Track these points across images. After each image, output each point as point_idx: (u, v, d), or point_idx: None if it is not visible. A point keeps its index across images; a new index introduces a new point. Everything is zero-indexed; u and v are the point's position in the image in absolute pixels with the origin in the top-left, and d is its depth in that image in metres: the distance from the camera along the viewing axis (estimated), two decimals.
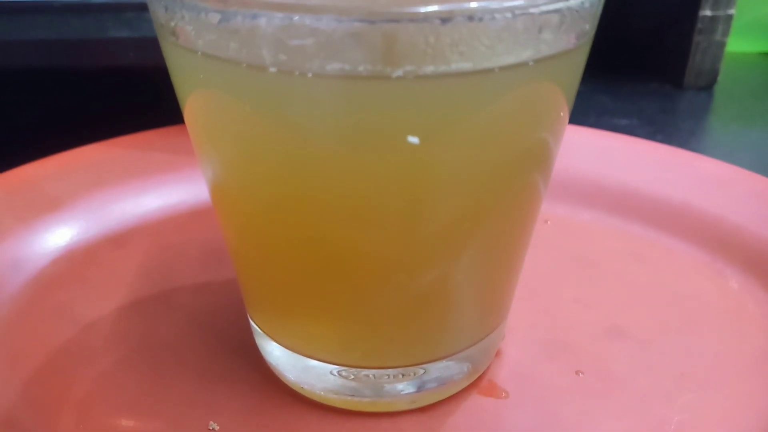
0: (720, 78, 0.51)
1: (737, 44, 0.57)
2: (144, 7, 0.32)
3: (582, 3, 0.16)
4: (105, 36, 0.32)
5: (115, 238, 0.29)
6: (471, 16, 0.14)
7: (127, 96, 0.40)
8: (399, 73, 0.14)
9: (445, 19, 0.14)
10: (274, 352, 0.22)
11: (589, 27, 0.17)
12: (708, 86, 0.51)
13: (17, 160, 0.30)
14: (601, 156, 0.34)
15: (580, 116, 0.20)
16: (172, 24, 0.16)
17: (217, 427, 0.20)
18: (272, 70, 0.15)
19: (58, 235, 0.28)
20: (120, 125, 0.34)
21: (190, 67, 0.17)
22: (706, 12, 0.48)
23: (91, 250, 0.28)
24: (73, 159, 0.31)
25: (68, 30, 0.31)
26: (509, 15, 0.14)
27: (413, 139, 0.15)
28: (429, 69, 0.14)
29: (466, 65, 0.14)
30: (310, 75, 0.14)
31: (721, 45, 0.49)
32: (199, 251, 0.29)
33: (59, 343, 0.24)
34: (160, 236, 0.30)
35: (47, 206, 0.29)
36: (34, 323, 0.24)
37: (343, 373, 0.21)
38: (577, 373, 0.23)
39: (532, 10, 0.15)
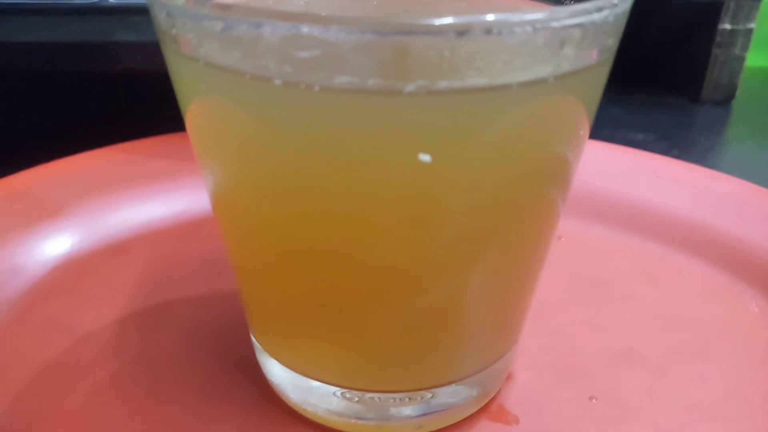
0: (738, 93, 0.50)
1: (757, 59, 0.55)
2: None
3: (606, 17, 0.15)
4: (111, 39, 0.31)
5: (115, 246, 0.28)
6: (489, 30, 0.13)
7: (133, 101, 0.40)
8: (411, 87, 0.13)
9: (461, 32, 0.13)
10: (276, 371, 0.21)
11: (612, 42, 0.16)
12: (726, 101, 0.50)
13: (18, 165, 0.30)
14: (616, 171, 0.33)
15: (594, 130, 0.19)
16: (174, 31, 0.15)
17: None
18: (277, 82, 0.14)
19: (58, 243, 0.28)
20: (125, 130, 0.33)
21: (191, 75, 0.16)
22: (726, 25, 0.47)
23: (90, 259, 0.28)
24: (74, 165, 0.31)
25: (74, 33, 0.31)
26: (529, 29, 0.13)
27: (425, 158, 0.14)
28: (443, 84, 0.13)
29: (482, 81, 0.14)
30: (316, 88, 0.14)
31: (740, 59, 0.48)
32: (201, 262, 0.28)
33: (54, 355, 0.23)
34: (161, 245, 0.29)
35: (47, 213, 0.28)
36: (29, 333, 0.24)
37: (347, 395, 0.20)
38: (590, 399, 0.22)
39: (553, 24, 0.14)
